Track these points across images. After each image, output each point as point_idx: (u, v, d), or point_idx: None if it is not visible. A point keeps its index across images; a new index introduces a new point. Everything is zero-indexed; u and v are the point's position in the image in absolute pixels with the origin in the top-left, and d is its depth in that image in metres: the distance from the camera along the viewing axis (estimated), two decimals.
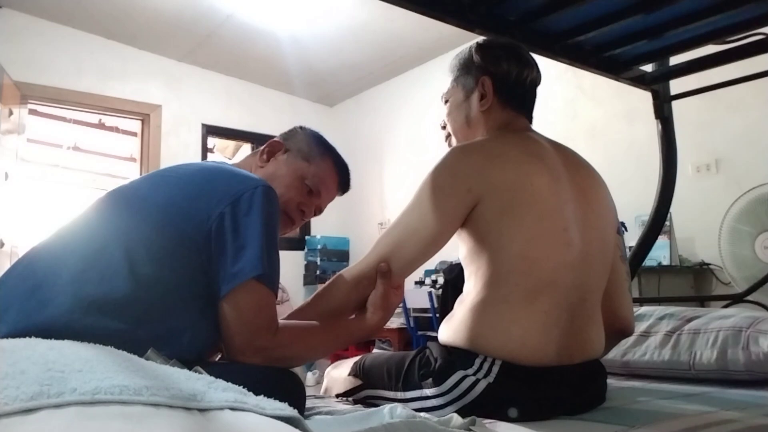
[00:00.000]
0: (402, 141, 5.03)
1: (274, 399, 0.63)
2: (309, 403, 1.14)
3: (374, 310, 1.12)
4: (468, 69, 1.25)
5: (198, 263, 0.95)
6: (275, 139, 1.28)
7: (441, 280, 3.50)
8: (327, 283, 1.20)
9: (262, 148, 1.26)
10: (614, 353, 1.51)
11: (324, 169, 1.24)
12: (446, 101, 1.30)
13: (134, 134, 5.00)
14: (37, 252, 0.96)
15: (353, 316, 1.16)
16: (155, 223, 0.96)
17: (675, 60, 1.86)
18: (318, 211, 1.29)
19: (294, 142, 1.26)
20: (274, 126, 4.89)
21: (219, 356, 1.11)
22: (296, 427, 0.60)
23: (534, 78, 1.25)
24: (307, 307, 1.19)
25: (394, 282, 1.14)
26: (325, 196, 1.26)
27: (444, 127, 1.33)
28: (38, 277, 0.91)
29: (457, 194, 1.08)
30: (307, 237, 5.36)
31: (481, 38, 1.37)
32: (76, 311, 0.86)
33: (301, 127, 1.32)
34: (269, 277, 0.95)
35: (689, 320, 1.56)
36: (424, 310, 3.66)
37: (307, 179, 1.22)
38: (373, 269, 1.13)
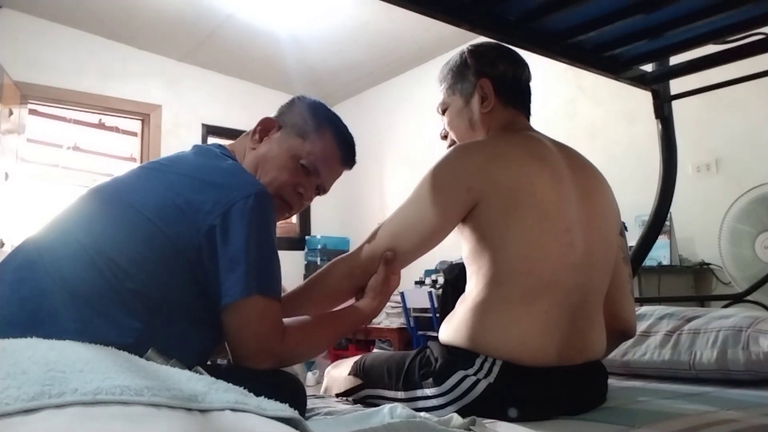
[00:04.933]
0: (402, 141, 5.03)
1: (275, 400, 0.63)
2: (309, 404, 1.14)
3: (374, 295, 1.12)
4: (463, 75, 1.25)
5: (189, 275, 0.93)
6: (268, 116, 1.18)
7: (441, 280, 3.50)
8: (321, 269, 1.21)
9: (254, 127, 1.17)
10: (614, 353, 1.51)
11: (321, 145, 1.13)
12: (444, 111, 1.30)
13: (134, 134, 5.00)
14: (29, 266, 0.91)
15: (351, 302, 1.16)
16: (144, 236, 0.92)
17: (675, 60, 1.86)
18: (321, 190, 1.19)
19: (289, 117, 1.16)
20: None
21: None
22: (297, 428, 0.60)
23: (528, 75, 1.28)
24: (301, 291, 1.20)
25: (395, 271, 1.14)
26: (326, 174, 1.16)
27: (445, 137, 1.33)
28: (35, 301, 0.87)
29: (457, 192, 1.08)
30: (307, 237, 5.35)
31: (480, 39, 1.37)
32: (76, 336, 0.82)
33: (299, 98, 1.20)
34: (267, 287, 0.93)
35: (689, 320, 1.56)
36: (424, 310, 3.66)
37: (302, 158, 1.11)
38: (367, 260, 1.14)
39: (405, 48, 4.59)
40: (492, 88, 1.22)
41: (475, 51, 1.26)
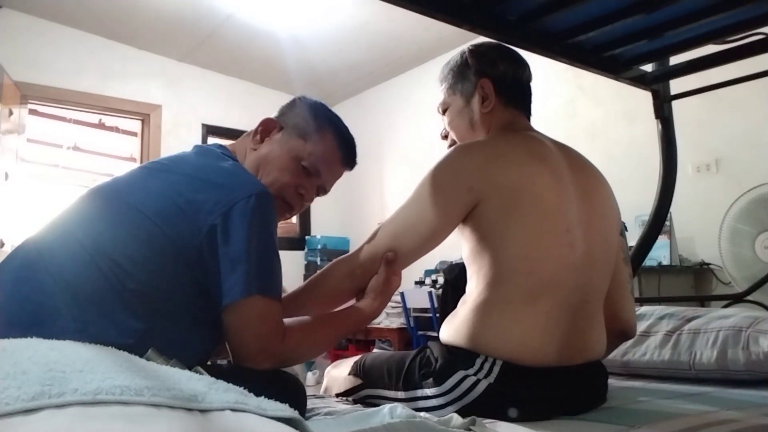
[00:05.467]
0: (402, 141, 5.03)
1: (275, 400, 0.63)
2: (309, 404, 1.14)
3: (375, 295, 1.12)
4: (464, 75, 1.25)
5: (190, 275, 0.93)
6: (269, 117, 1.17)
7: (441, 280, 3.50)
8: (322, 270, 1.21)
9: (255, 127, 1.16)
10: (614, 353, 1.51)
11: (323, 147, 1.13)
12: (444, 111, 1.30)
13: (134, 134, 5.00)
14: (29, 265, 0.91)
15: (352, 302, 1.16)
16: (145, 236, 0.92)
17: (675, 60, 1.86)
18: (322, 191, 1.19)
19: (290, 118, 1.16)
20: None
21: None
22: (297, 428, 0.60)
23: (528, 75, 1.28)
24: (302, 292, 1.21)
25: (396, 272, 1.14)
26: (326, 175, 1.15)
27: (445, 137, 1.33)
28: (35, 301, 0.87)
29: (457, 192, 1.08)
30: (307, 237, 5.35)
31: (480, 39, 1.37)
32: (77, 336, 0.82)
33: (300, 98, 1.20)
34: (267, 287, 0.93)
35: (689, 320, 1.56)
36: (424, 310, 3.66)
37: (303, 159, 1.11)
38: (368, 260, 1.14)
39: (405, 48, 4.59)
40: (492, 88, 1.22)
41: (476, 51, 1.26)
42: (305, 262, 5.29)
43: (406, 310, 3.74)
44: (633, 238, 2.08)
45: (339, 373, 1.33)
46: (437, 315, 3.40)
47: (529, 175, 1.08)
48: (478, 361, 1.05)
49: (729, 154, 3.00)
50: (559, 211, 1.08)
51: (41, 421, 0.48)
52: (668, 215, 2.53)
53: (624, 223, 1.35)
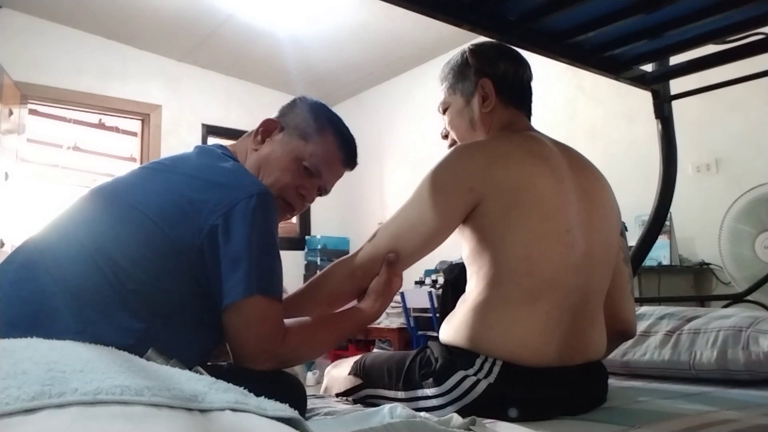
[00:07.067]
0: (402, 141, 5.03)
1: (275, 400, 0.63)
2: (309, 404, 1.14)
3: (376, 297, 1.12)
4: (464, 74, 1.25)
5: (190, 275, 0.93)
6: (270, 117, 1.17)
7: (441, 280, 3.50)
8: (322, 271, 1.21)
9: (256, 128, 1.16)
10: (614, 353, 1.51)
11: (324, 147, 1.13)
12: (444, 110, 1.30)
13: (134, 134, 5.00)
14: (30, 266, 0.92)
15: (353, 303, 1.16)
16: (145, 236, 0.92)
17: (675, 60, 1.86)
18: (323, 191, 1.19)
19: (291, 118, 1.16)
20: None
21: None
22: (297, 428, 0.60)
23: (529, 75, 1.28)
24: (301, 294, 1.21)
25: (397, 273, 1.14)
26: (327, 175, 1.16)
27: (446, 136, 1.33)
28: (36, 301, 0.87)
29: (458, 193, 1.08)
30: (307, 237, 5.36)
31: (480, 39, 1.37)
32: (77, 336, 0.82)
33: (300, 99, 1.21)
34: (268, 287, 0.93)
35: (689, 320, 1.56)
36: (424, 310, 3.66)
37: (304, 160, 1.11)
38: (368, 261, 1.13)
39: (405, 48, 4.59)
40: (493, 88, 1.22)
41: (477, 50, 1.26)
42: (305, 262, 5.29)
43: (406, 310, 3.74)
44: (633, 238, 2.08)
45: (339, 373, 1.33)
46: (437, 315, 3.40)
47: (529, 176, 1.08)
48: (478, 361, 1.05)
49: (729, 154, 3.00)
50: (560, 211, 1.08)
51: (41, 421, 0.48)
52: (668, 215, 2.53)
53: (624, 223, 1.35)
